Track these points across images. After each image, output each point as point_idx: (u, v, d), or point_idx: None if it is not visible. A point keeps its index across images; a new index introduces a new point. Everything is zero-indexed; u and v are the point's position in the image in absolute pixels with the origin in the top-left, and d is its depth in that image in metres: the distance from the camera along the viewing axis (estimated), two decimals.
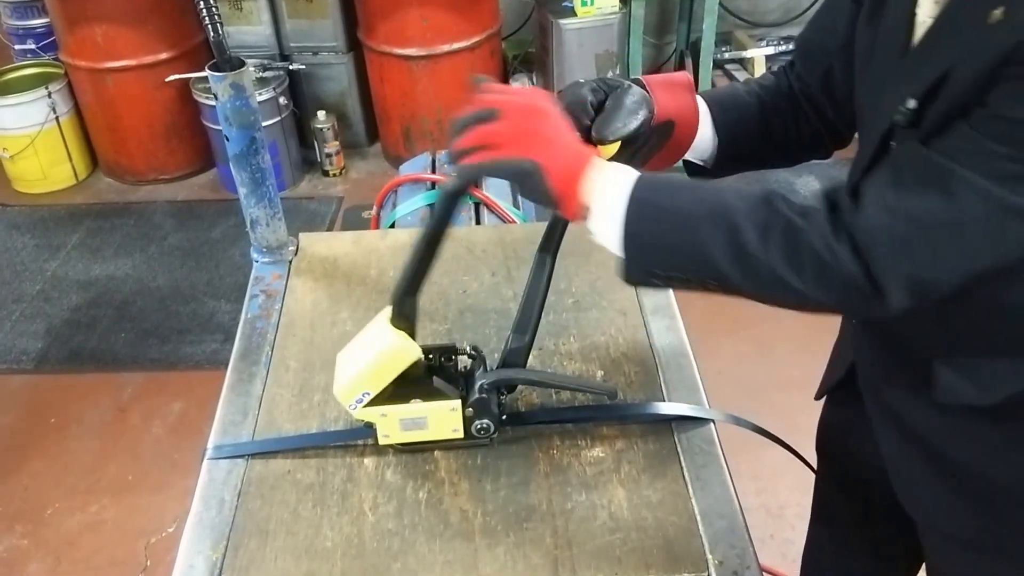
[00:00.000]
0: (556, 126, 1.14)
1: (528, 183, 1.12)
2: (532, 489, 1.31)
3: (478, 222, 2.17)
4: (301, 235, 1.88)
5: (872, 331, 1.32)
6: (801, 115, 1.34)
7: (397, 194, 2.34)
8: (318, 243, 1.87)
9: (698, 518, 1.25)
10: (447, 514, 1.28)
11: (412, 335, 1.30)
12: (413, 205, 2.23)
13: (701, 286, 1.10)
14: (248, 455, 1.39)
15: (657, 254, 1.10)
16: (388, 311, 1.30)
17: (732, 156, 1.34)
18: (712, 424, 1.39)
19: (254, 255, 1.83)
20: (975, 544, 1.30)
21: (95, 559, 2.72)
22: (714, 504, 1.27)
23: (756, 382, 3.10)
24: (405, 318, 1.29)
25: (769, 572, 2.40)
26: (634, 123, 1.21)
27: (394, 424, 1.33)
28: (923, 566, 1.72)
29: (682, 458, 1.34)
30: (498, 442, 1.37)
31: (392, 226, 2.21)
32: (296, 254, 1.84)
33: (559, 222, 1.32)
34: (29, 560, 2.73)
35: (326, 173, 4.62)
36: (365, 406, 1.31)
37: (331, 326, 1.64)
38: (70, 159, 4.66)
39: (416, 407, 1.31)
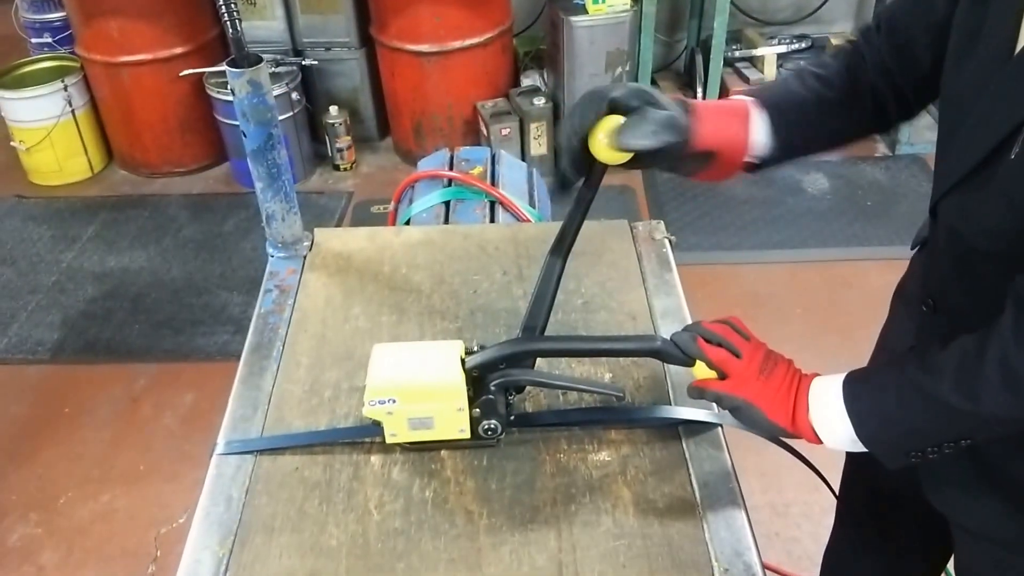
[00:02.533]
0: (783, 381, 1.24)
1: (746, 420, 1.25)
2: (538, 491, 1.31)
3: (492, 220, 2.17)
4: (316, 230, 1.89)
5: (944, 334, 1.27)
6: (867, 97, 1.32)
7: (414, 190, 2.34)
8: (333, 238, 1.88)
9: (704, 524, 1.25)
10: (452, 514, 1.28)
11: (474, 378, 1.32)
12: (430, 201, 2.23)
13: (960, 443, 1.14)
14: (256, 451, 1.39)
15: (898, 441, 1.17)
16: (460, 346, 1.33)
17: (786, 154, 1.33)
18: (720, 429, 1.39)
19: (269, 250, 1.83)
20: (1009, 544, 1.29)
21: (106, 548, 2.74)
22: (721, 511, 1.27)
23: None
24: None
25: (774, 571, 2.40)
26: (642, 142, 1.20)
27: (401, 423, 1.32)
28: (948, 563, 1.73)
29: (689, 463, 1.34)
30: (505, 443, 1.38)
31: (408, 222, 2.21)
32: (311, 249, 1.84)
33: (572, 224, 1.33)
34: (42, 549, 2.75)
35: (337, 167, 4.63)
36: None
37: (343, 322, 1.64)
38: (86, 152, 4.68)
39: (423, 406, 1.31)
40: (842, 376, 1.20)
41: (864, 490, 1.72)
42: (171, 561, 2.59)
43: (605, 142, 1.22)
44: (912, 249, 1.48)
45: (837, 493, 1.76)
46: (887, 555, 1.76)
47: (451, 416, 1.32)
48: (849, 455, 1.72)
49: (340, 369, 1.53)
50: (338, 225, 4.18)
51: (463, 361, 1.31)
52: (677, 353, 1.28)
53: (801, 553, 2.54)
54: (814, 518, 2.59)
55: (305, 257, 1.82)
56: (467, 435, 1.34)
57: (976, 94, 1.08)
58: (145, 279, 3.93)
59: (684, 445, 1.37)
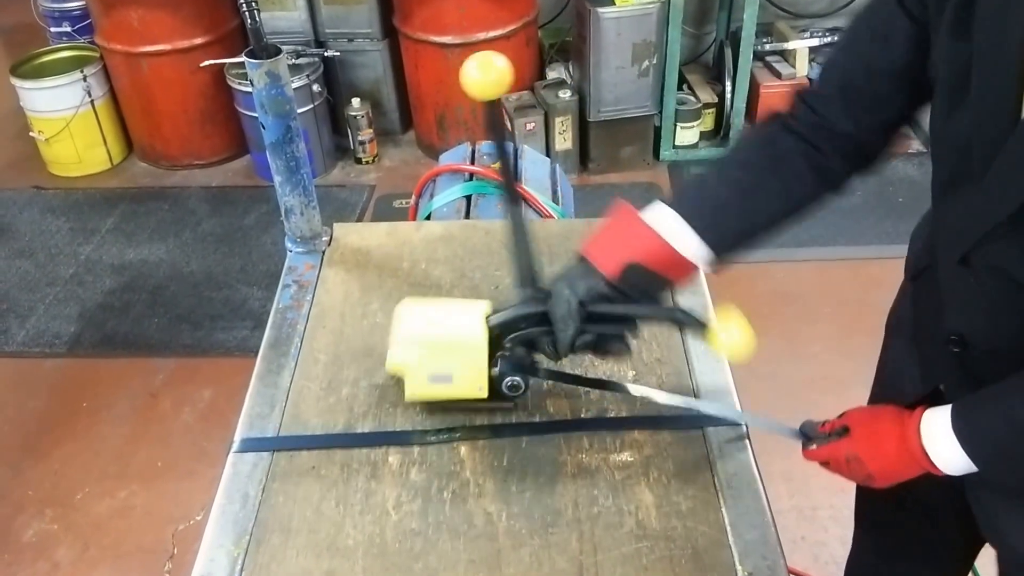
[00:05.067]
0: (879, 453, 1.24)
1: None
2: (559, 492, 1.29)
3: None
4: (335, 225, 1.87)
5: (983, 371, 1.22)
6: (799, 168, 1.26)
7: (435, 184, 2.32)
8: (352, 233, 1.86)
9: (728, 528, 1.23)
10: (471, 515, 1.26)
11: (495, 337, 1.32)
12: (451, 196, 2.21)
13: None
14: (273, 449, 1.38)
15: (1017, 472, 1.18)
16: (485, 305, 1.34)
17: (731, 248, 1.29)
18: (744, 429, 1.36)
19: (288, 244, 1.82)
20: None
21: (123, 545, 2.73)
22: (745, 513, 1.24)
23: (789, 382, 3.06)
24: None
25: None
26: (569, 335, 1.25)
27: (422, 377, 1.34)
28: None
29: (713, 465, 1.31)
30: (525, 444, 1.35)
31: (429, 217, 2.19)
32: (330, 244, 1.82)
33: (507, 165, 1.42)
34: (58, 545, 2.73)
35: (359, 161, 4.61)
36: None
37: (361, 318, 1.62)
38: (105, 143, 4.67)
39: (445, 362, 1.32)
40: (949, 413, 1.16)
41: (884, 497, 1.68)
42: (188, 559, 2.55)
43: None
44: (911, 279, 1.42)
45: (856, 498, 1.74)
46: (909, 562, 1.73)
47: (471, 374, 1.33)
48: None
49: (358, 366, 1.52)
50: (359, 219, 4.16)
51: (487, 320, 1.32)
52: (691, 321, 1.27)
53: (828, 558, 2.50)
54: (842, 522, 2.54)
55: (324, 252, 1.80)
56: (485, 394, 1.34)
57: (990, 145, 1.03)
58: (164, 272, 3.92)
59: (708, 447, 1.34)
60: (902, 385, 1.42)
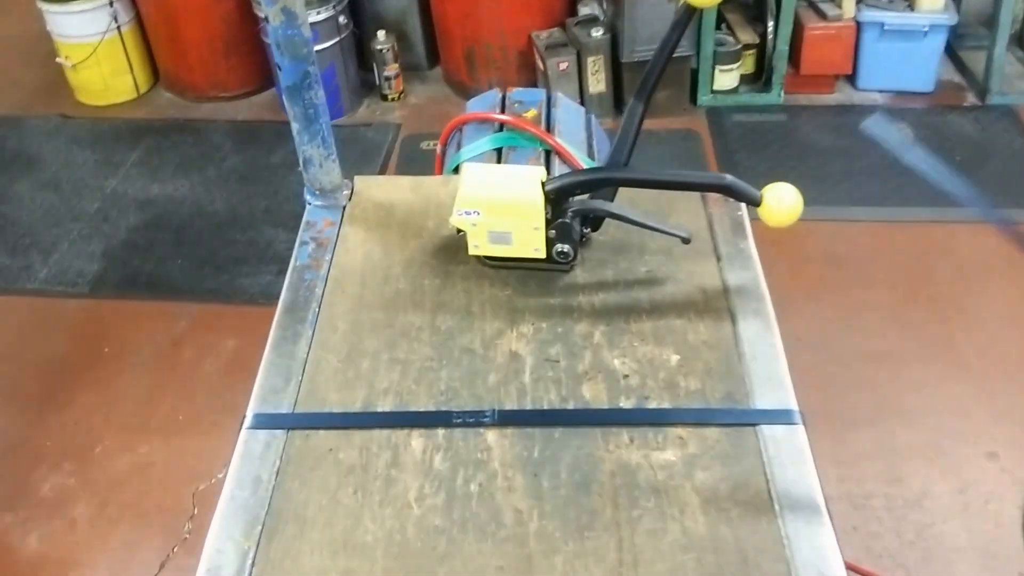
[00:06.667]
0: None
1: None
2: (595, 491, 1.18)
3: (548, 171, 2.03)
4: (357, 178, 1.76)
5: None
6: None
7: (462, 133, 2.19)
8: (374, 187, 1.75)
9: (784, 539, 1.11)
10: (500, 512, 1.16)
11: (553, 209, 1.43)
12: (479, 148, 2.08)
13: None
14: (288, 428, 1.29)
15: None
16: (542, 171, 1.47)
17: None
18: (803, 428, 1.24)
19: (307, 197, 1.72)
20: None
21: (142, 504, 2.67)
22: (803, 524, 1.13)
23: (840, 353, 2.90)
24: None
25: (852, 569, 2.24)
26: None
27: (483, 235, 1.45)
28: None
29: (767, 466, 1.19)
30: (559, 432, 1.25)
31: (456, 169, 2.07)
32: (350, 199, 1.72)
33: (656, 66, 1.50)
34: (76, 501, 2.68)
35: (385, 97, 4.50)
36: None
37: (383, 283, 1.52)
38: (131, 71, 4.63)
39: (503, 221, 1.44)
40: None
41: None
42: (208, 520, 2.50)
43: None
44: None
45: None
46: None
47: (528, 234, 1.44)
48: None
49: (379, 338, 1.42)
50: (385, 162, 4.04)
51: (543, 184, 1.42)
52: (746, 190, 1.37)
53: (882, 550, 2.36)
54: (896, 512, 2.40)
55: (344, 208, 1.69)
56: (542, 255, 1.46)
57: None
58: (188, 210, 3.86)
59: (761, 443, 1.22)
60: None
